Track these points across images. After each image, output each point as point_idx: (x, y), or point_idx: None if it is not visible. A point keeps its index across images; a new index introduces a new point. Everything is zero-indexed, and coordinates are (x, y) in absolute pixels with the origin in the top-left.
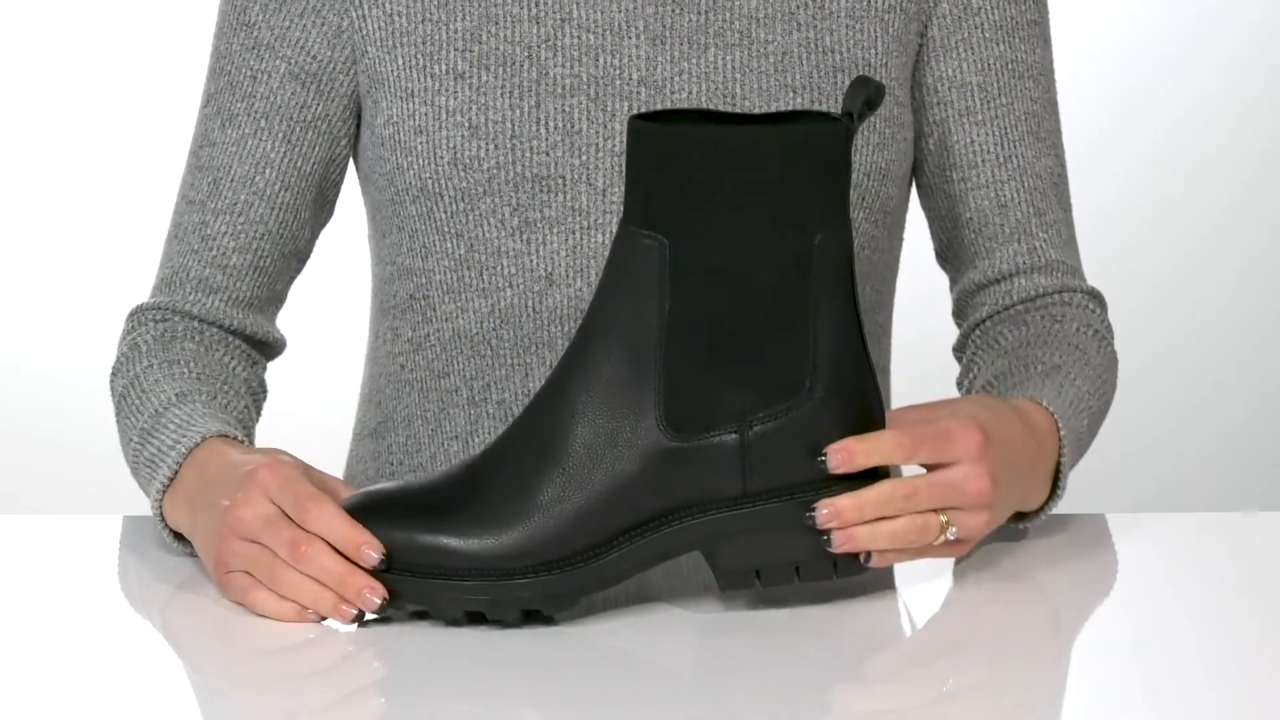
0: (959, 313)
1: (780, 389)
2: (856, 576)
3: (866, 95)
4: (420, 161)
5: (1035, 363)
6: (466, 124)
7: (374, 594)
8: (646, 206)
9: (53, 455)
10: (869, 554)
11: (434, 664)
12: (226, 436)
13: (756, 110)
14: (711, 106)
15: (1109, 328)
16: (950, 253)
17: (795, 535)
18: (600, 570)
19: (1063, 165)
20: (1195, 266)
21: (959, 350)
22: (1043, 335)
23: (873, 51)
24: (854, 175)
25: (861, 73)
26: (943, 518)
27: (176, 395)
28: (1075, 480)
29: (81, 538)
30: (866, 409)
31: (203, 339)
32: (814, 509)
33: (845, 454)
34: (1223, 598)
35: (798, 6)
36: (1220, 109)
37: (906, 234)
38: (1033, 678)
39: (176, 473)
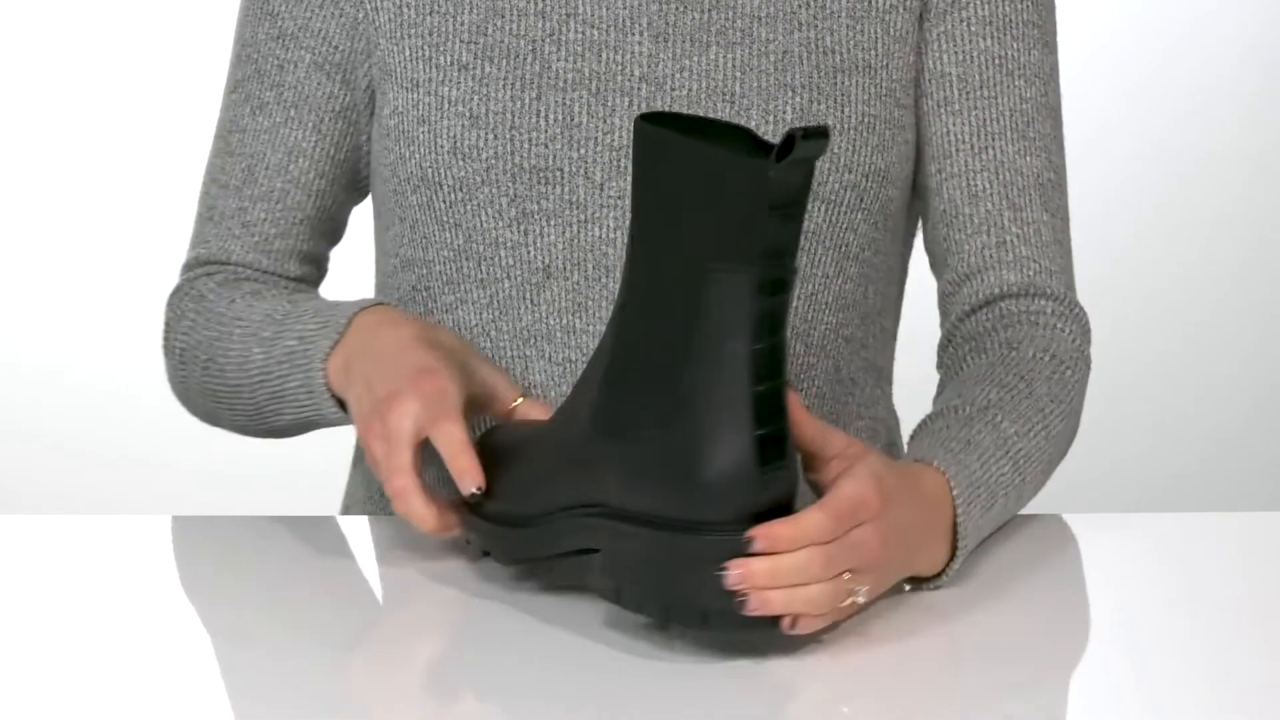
0: (941, 314)
1: (663, 414)
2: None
3: (813, 147)
4: (421, 151)
5: (967, 404)
6: (468, 114)
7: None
8: (631, 205)
9: (53, 455)
10: (793, 619)
11: (439, 660)
12: (386, 304)
13: (754, 104)
14: (713, 104)
15: (1078, 349)
16: (931, 254)
17: (696, 574)
18: (530, 536)
19: (1055, 171)
20: (1191, 271)
21: (941, 350)
22: (991, 366)
23: (873, 52)
24: (853, 176)
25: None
26: (846, 577)
27: (290, 302)
28: (1072, 481)
29: (81, 538)
30: (730, 457)
31: (264, 284)
32: (724, 568)
33: (769, 537)
34: (1222, 598)
35: (799, 6)
36: (1219, 112)
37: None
38: (1031, 678)
39: (344, 332)
